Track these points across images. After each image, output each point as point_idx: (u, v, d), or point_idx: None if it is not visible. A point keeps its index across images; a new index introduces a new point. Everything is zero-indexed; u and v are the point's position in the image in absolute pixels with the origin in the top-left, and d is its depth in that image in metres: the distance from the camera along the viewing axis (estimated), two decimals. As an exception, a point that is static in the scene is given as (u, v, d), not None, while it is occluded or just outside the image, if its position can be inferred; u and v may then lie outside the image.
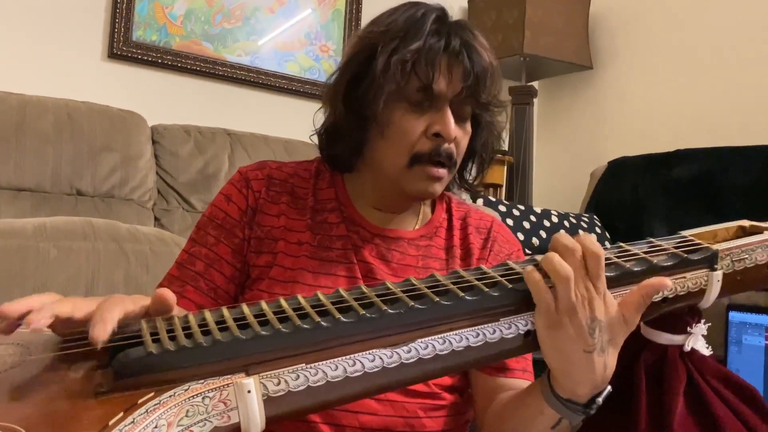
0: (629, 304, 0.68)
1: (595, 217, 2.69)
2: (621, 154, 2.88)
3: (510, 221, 2.38)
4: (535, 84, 3.47)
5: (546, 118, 3.48)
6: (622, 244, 0.78)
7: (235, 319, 0.62)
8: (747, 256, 0.77)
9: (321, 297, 0.66)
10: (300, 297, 0.66)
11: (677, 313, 0.79)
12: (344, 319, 0.62)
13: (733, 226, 0.83)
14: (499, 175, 3.20)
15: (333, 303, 0.65)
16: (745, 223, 0.84)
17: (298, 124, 2.89)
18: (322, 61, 3.03)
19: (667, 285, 0.69)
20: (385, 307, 0.64)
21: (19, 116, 2.11)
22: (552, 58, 3.14)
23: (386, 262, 0.96)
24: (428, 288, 0.68)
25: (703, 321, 0.79)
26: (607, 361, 0.68)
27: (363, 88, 0.92)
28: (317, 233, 0.96)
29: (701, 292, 0.75)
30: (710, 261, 0.75)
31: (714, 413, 0.77)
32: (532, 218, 2.45)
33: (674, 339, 0.80)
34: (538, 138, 3.37)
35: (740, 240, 0.78)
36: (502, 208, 2.40)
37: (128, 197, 2.26)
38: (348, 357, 0.62)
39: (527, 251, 2.35)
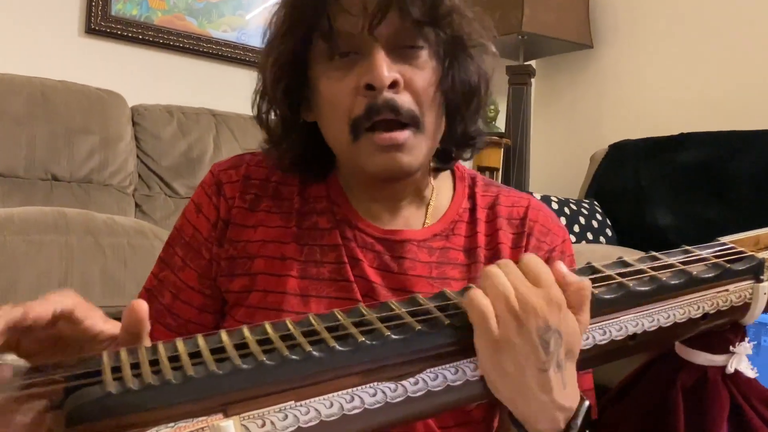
0: (572, 305, 0.56)
1: (595, 203, 2.60)
2: (622, 137, 2.79)
3: (509, 208, 2.29)
4: (533, 63, 3.37)
5: (544, 99, 3.38)
6: (655, 253, 0.68)
7: (212, 350, 0.52)
8: (797, 264, 0.69)
9: (313, 320, 0.56)
10: (289, 321, 0.56)
11: (717, 331, 0.70)
12: (340, 348, 0.52)
13: (777, 229, 0.74)
14: (495, 158, 3.11)
15: (327, 328, 0.55)
16: (791, 225, 0.75)
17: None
18: (312, 39, 2.91)
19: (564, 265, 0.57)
20: (388, 333, 0.54)
21: (-12, 96, 1.99)
22: (551, 37, 3.03)
23: (392, 275, 0.78)
24: (437, 306, 0.58)
25: (747, 339, 0.70)
26: (566, 376, 0.55)
27: (272, 76, 0.76)
28: (304, 244, 0.79)
29: (745, 306, 0.67)
30: (756, 271, 0.67)
31: (760, 442, 0.69)
32: (533, 205, 2.36)
33: (715, 360, 0.71)
34: (536, 120, 3.27)
35: (790, 247, 0.70)
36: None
37: (107, 182, 2.15)
38: (345, 392, 0.52)
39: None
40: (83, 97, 2.16)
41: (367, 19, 0.70)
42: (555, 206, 2.41)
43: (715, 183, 2.34)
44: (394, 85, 0.71)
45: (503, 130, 3.19)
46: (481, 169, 3.10)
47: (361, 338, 0.53)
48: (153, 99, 2.40)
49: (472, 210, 0.85)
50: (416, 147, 0.73)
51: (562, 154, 3.26)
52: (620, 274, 0.64)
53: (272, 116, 0.82)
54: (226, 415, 0.49)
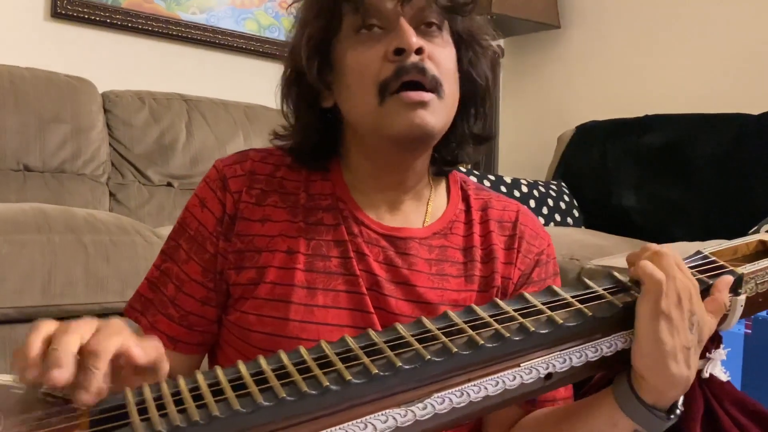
0: (711, 310, 0.69)
1: (563, 184, 2.66)
2: (590, 118, 2.84)
3: (481, 192, 2.33)
4: (501, 43, 3.39)
5: (512, 79, 3.42)
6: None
7: (231, 382, 0.55)
8: (771, 278, 0.74)
9: (325, 348, 0.59)
10: (302, 349, 0.59)
11: None
12: (355, 381, 0.55)
13: (753, 240, 0.79)
14: (465, 138, 3.14)
15: (339, 354, 0.59)
16: (766, 236, 0.80)
17: (258, 86, 2.77)
18: (282, 19, 2.88)
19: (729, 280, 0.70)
20: (399, 363, 0.57)
21: (-46, 85, 1.94)
22: (518, 17, 3.06)
23: (396, 269, 0.83)
24: (441, 330, 0.62)
25: (722, 346, 0.76)
26: (693, 362, 0.67)
27: (299, 53, 0.81)
28: (311, 238, 0.82)
29: (723, 317, 0.72)
30: (734, 286, 0.72)
31: (731, 442, 0.75)
32: (503, 189, 2.40)
33: (692, 364, 0.76)
34: (504, 100, 3.30)
35: (765, 261, 0.75)
36: (473, 179, 2.35)
37: (81, 172, 2.12)
38: (359, 420, 0.56)
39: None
40: (53, 84, 2.12)
41: None
42: (525, 189, 2.47)
43: (679, 165, 2.40)
44: (420, 51, 0.76)
45: (473, 111, 3.22)
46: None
47: (375, 370, 0.56)
48: (123, 85, 2.36)
49: (467, 211, 0.90)
50: (438, 111, 0.78)
51: (530, 135, 3.31)
52: (607, 290, 0.68)
53: (289, 104, 0.87)
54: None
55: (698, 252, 0.78)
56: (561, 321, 0.63)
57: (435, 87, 0.77)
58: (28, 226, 1.40)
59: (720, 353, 0.78)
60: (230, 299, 0.84)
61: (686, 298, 0.65)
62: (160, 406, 0.52)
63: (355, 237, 0.83)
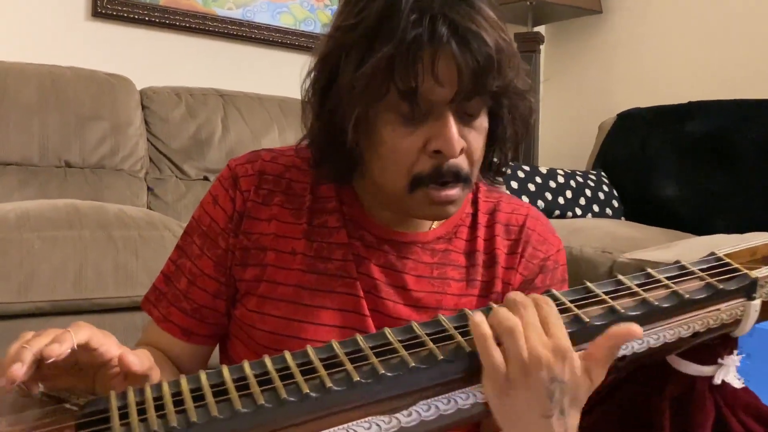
0: (595, 359, 0.59)
1: (603, 174, 2.59)
2: (632, 106, 2.76)
3: (514, 184, 2.30)
4: (542, 29, 3.32)
5: (553, 67, 3.35)
6: (650, 270, 0.70)
7: (213, 387, 0.56)
8: (788, 280, 0.70)
9: (311, 354, 0.59)
10: (287, 354, 0.59)
11: (707, 342, 0.71)
12: (335, 388, 0.55)
13: (775, 241, 0.75)
14: (503, 128, 3.09)
15: (323, 360, 0.59)
16: (788, 237, 0.76)
17: (293, 80, 2.73)
18: (317, 12, 2.89)
19: (638, 335, 0.59)
20: (382, 371, 0.57)
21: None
22: (559, 3, 2.99)
23: (396, 273, 0.83)
24: (430, 336, 0.61)
25: (736, 351, 0.73)
26: (569, 423, 0.59)
27: (335, 101, 0.75)
28: (314, 240, 0.83)
29: (736, 323, 0.69)
30: (748, 290, 0.68)
31: (744, 451, 0.72)
32: (537, 179, 2.36)
33: (703, 370, 0.74)
34: (544, 88, 3.24)
35: (781, 264, 0.71)
36: (506, 170, 2.31)
37: (119, 167, 2.18)
38: (341, 427, 0.56)
39: (534, 215, 2.27)
40: (93, 82, 2.17)
41: (453, 91, 0.71)
42: (561, 179, 2.42)
43: (723, 153, 2.32)
44: (461, 152, 0.75)
45: (511, 100, 3.17)
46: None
47: (357, 377, 0.56)
48: (161, 81, 2.41)
49: (474, 215, 0.89)
50: (462, 198, 0.79)
51: (571, 123, 3.24)
52: (613, 296, 0.66)
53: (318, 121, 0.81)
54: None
55: (712, 253, 0.74)
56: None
57: (465, 180, 0.76)
58: (60, 222, 1.45)
59: (733, 359, 0.74)
60: (237, 294, 0.86)
61: (538, 367, 0.57)
62: (141, 411, 0.54)
63: (356, 240, 0.84)
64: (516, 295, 0.61)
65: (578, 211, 2.38)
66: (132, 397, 0.55)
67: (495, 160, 0.84)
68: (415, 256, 0.84)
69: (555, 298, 0.66)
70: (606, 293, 0.66)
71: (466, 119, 0.75)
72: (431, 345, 0.60)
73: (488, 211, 0.89)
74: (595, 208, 2.44)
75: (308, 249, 0.83)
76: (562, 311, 0.63)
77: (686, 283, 0.68)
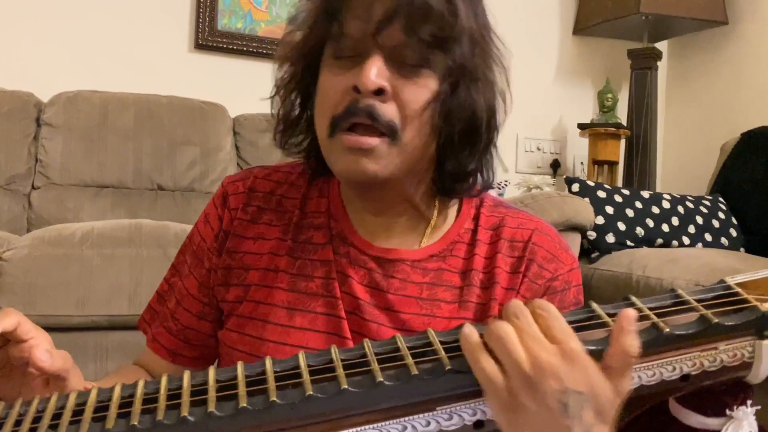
0: (610, 369, 0.51)
1: (720, 199, 2.33)
2: (759, 124, 2.48)
3: (609, 209, 2.11)
4: (663, 45, 3.10)
5: (674, 84, 3.10)
6: (633, 299, 0.58)
7: (121, 399, 0.52)
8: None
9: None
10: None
11: (714, 390, 0.59)
12: (279, 402, 0.50)
13: (807, 268, 0.61)
14: (613, 150, 2.90)
15: (277, 374, 0.54)
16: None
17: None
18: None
19: (630, 317, 0.52)
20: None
21: (101, 114, 2.16)
22: (679, 15, 2.77)
23: (380, 293, 0.76)
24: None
25: (750, 402, 0.59)
26: None
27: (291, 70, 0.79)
28: (297, 257, 0.79)
29: (744, 366, 0.57)
30: (758, 326, 0.56)
31: None
32: (638, 204, 2.16)
33: (707, 423, 0.60)
34: (665, 107, 3.01)
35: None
36: (601, 194, 2.13)
37: (208, 190, 2.26)
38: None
39: (629, 244, 2.08)
40: (186, 110, 2.28)
41: (372, 25, 0.69)
42: (666, 204, 2.20)
43: None
44: (380, 92, 0.69)
45: (623, 120, 2.97)
46: (598, 163, 2.91)
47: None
48: (255, 108, 2.49)
49: (474, 231, 0.81)
50: (386, 157, 0.70)
51: (694, 144, 2.97)
52: (577, 327, 0.55)
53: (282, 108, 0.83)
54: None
55: (721, 281, 0.62)
56: None
57: (388, 131, 0.70)
58: (121, 240, 1.51)
59: (746, 411, 0.60)
60: (222, 315, 0.83)
61: (544, 378, 0.49)
62: (36, 419, 0.50)
63: (340, 257, 0.78)
64: (509, 304, 0.53)
65: (686, 240, 2.15)
66: (34, 406, 0.52)
67: (448, 167, 0.75)
68: (402, 275, 0.77)
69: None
70: (571, 322, 0.56)
71: (405, 71, 0.70)
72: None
73: (492, 227, 0.81)
74: (708, 237, 2.19)
75: (290, 266, 0.79)
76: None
77: (674, 315, 0.57)
